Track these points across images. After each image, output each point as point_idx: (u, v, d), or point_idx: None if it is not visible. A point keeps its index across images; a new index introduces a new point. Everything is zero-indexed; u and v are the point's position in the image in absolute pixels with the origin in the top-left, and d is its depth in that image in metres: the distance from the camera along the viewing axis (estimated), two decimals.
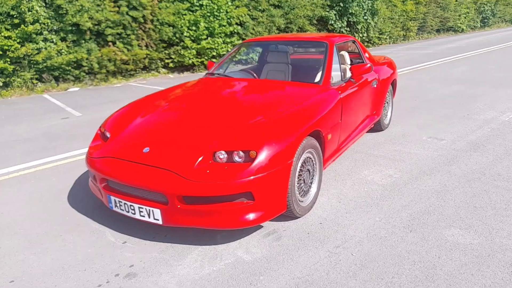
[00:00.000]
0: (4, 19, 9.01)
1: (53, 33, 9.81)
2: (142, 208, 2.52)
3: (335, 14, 16.53)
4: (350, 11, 16.63)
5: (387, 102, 5.06)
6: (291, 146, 2.60)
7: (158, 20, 11.19)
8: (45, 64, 9.63)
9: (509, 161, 3.91)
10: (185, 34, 11.55)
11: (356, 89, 3.91)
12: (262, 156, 2.45)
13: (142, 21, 10.78)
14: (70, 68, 9.99)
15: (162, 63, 11.89)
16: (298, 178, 2.82)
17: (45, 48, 9.56)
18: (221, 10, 11.93)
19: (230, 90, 3.76)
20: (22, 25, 9.13)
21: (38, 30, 9.46)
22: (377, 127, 4.96)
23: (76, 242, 2.72)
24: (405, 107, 6.32)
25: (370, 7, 17.56)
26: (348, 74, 4.14)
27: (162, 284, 2.24)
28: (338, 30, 16.73)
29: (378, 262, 2.38)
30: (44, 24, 9.58)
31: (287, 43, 4.38)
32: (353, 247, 2.55)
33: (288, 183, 2.60)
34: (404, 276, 2.24)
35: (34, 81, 9.73)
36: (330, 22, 16.35)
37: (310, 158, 2.98)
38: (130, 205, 2.56)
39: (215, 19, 11.92)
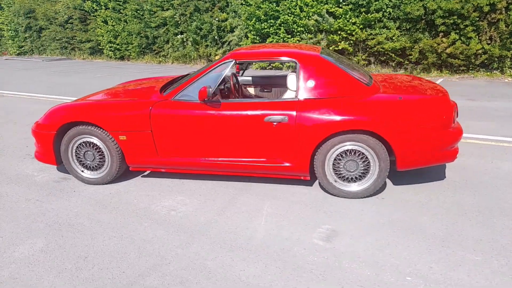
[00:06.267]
0: (355, 8, 10.83)
1: (392, 21, 10.49)
2: None
3: None
4: None
5: (354, 161, 2.92)
6: (53, 124, 3.55)
7: None
8: (375, 49, 10.75)
9: None
10: None
11: (197, 111, 3.32)
12: (40, 121, 3.70)
13: (487, 10, 8.89)
14: (392, 55, 10.49)
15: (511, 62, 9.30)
16: (76, 153, 3.64)
17: (380, 34, 10.57)
18: None
19: (143, 83, 4.39)
20: (363, 14, 10.59)
21: (379, 17, 10.53)
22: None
23: None
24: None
25: None
26: (288, 96, 3.44)
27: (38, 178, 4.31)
28: None
29: None
30: (386, 12, 10.46)
31: None
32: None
33: (52, 146, 3.63)
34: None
35: (363, 62, 11.17)
36: None
37: (97, 145, 3.58)
38: None
39: None
